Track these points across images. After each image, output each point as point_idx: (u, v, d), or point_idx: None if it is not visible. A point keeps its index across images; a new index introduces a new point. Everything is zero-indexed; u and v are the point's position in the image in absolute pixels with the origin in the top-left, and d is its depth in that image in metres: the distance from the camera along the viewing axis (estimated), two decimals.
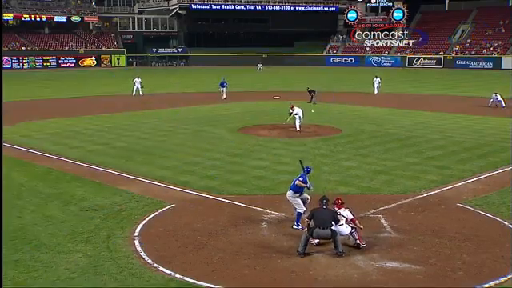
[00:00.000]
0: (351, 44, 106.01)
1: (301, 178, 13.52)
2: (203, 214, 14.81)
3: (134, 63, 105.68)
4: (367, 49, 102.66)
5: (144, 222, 14.08)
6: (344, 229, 12.20)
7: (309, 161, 20.92)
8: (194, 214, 14.77)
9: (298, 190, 13.60)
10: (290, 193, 13.65)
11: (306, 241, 11.89)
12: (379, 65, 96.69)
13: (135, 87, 48.06)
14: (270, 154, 22.53)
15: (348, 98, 45.48)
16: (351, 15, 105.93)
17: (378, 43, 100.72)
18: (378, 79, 48.66)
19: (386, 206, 15.29)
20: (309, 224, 12.05)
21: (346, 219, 12.32)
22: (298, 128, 27.72)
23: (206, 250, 12.18)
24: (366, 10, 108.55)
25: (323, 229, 11.79)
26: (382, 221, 14.09)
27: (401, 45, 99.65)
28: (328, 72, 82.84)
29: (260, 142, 25.32)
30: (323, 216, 11.93)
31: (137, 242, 12.64)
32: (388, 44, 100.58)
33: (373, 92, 47.81)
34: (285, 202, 15.29)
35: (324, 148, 23.70)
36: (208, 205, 15.70)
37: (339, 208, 12.54)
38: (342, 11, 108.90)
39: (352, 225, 12.33)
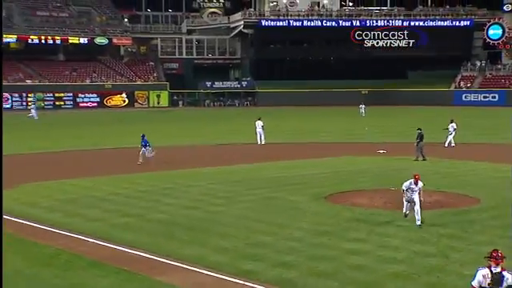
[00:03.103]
0: (494, 74, 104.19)
1: None
2: None
3: (181, 102, 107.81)
4: None
5: None
6: None
7: (429, 244, 20.53)
8: None
9: None
10: None
11: None
12: None
13: (258, 132, 50.57)
14: (373, 233, 22.24)
15: (486, 151, 44.65)
16: (494, 31, 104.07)
17: None
18: (454, 125, 47.92)
19: None
20: None
21: None
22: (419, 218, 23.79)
23: None
24: None
25: None
26: None
27: None
28: (458, 114, 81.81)
29: (357, 216, 25.05)
30: None
31: None
32: None
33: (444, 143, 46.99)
34: None
35: (453, 226, 23.15)
36: None
37: None
38: (480, 26, 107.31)
39: None
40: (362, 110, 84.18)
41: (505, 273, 11.84)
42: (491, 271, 11.92)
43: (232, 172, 36.72)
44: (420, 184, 23.58)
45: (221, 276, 17.65)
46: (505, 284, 11.80)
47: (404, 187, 23.71)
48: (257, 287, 16.74)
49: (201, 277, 17.73)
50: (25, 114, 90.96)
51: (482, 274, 11.98)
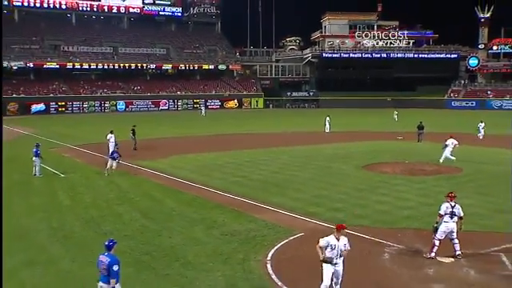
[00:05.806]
0: (472, 89, 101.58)
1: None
2: None
3: (271, 105, 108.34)
4: (488, 93, 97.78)
5: (276, 247, 14.19)
6: None
7: (429, 197, 20.08)
8: None
9: None
10: None
11: None
12: (500, 108, 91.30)
13: (326, 124, 50.29)
14: (393, 190, 21.88)
15: (466, 139, 43.14)
16: (473, 61, 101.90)
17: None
18: (483, 124, 44.12)
19: (508, 245, 14.12)
20: None
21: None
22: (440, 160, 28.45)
23: None
24: (488, 57, 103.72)
25: None
26: (504, 259, 13.05)
27: None
28: (448, 114, 79.38)
29: (383, 179, 24.68)
30: None
31: (269, 266, 12.76)
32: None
33: (477, 136, 43.93)
34: (406, 236, 14.73)
35: (445, 186, 22.49)
36: None
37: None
38: (464, 58, 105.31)
39: None
40: (395, 116, 68.92)
41: (457, 205, 13.24)
42: (450, 204, 13.22)
43: (303, 150, 36.53)
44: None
45: (295, 215, 17.74)
46: (457, 211, 13.21)
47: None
48: (318, 223, 16.75)
49: (282, 215, 17.84)
50: (175, 113, 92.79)
51: (446, 206, 13.25)
